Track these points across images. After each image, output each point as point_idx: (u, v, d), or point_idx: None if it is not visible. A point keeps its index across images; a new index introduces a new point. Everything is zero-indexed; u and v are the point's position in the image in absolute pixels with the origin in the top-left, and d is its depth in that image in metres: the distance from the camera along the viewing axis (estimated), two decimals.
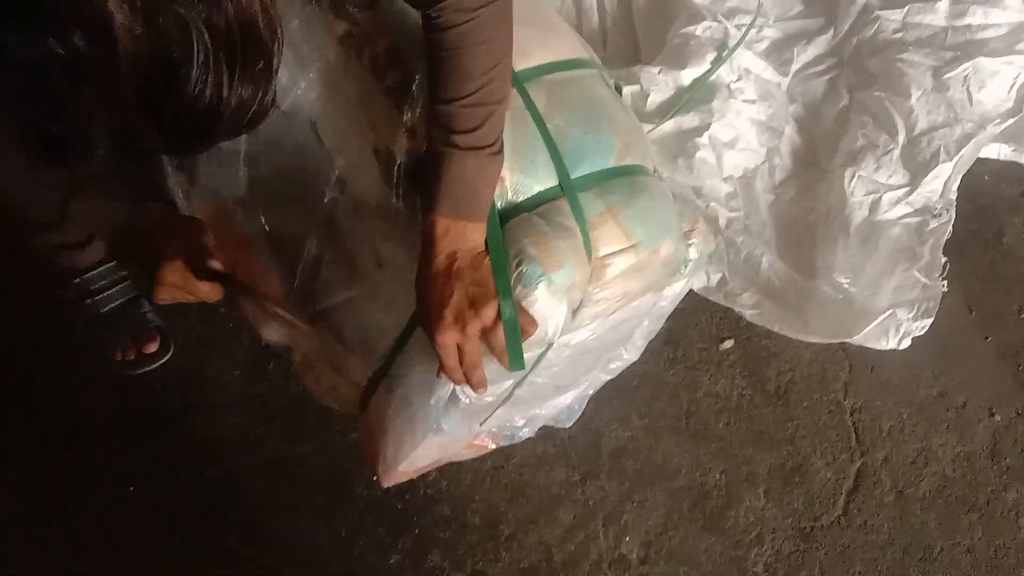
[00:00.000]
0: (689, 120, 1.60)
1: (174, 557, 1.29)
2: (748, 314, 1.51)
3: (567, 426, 1.37)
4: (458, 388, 1.00)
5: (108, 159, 0.56)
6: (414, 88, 0.97)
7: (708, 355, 1.50)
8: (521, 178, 0.95)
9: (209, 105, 0.54)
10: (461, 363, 0.89)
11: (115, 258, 1.30)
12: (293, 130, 1.07)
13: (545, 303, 0.91)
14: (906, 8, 1.73)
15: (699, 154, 1.57)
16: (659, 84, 1.61)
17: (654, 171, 1.07)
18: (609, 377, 1.27)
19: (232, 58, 0.54)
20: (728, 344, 1.50)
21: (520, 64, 1.00)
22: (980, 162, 1.66)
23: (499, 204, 0.94)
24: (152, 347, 1.42)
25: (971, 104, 1.64)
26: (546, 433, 1.38)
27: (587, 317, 1.01)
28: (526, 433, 1.28)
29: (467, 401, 1.02)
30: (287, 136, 1.09)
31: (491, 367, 0.95)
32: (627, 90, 1.62)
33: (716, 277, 1.53)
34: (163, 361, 1.42)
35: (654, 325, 1.21)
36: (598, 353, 1.17)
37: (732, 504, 1.38)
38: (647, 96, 1.61)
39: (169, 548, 1.30)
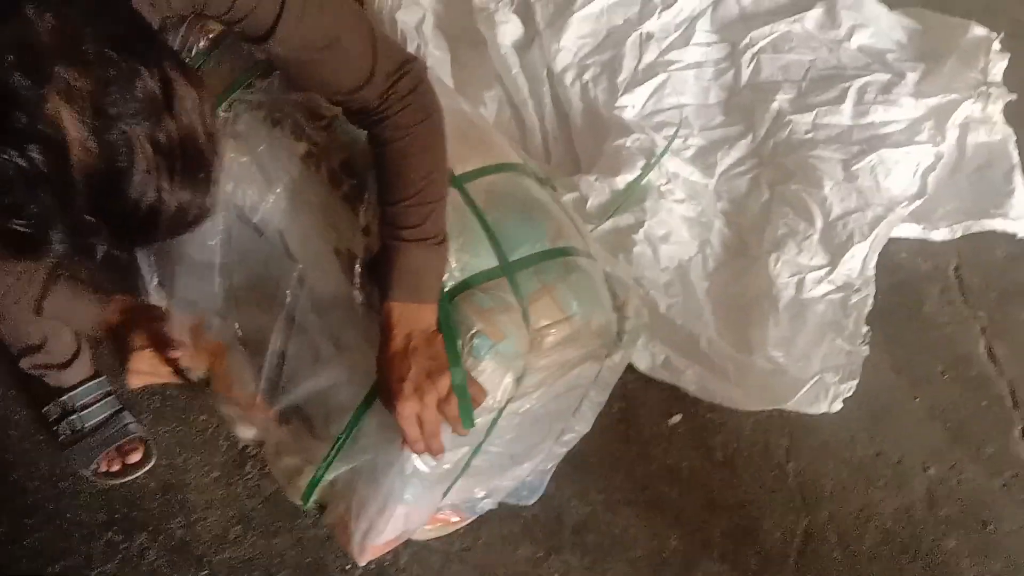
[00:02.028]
0: (625, 219, 1.76)
1: None
2: (692, 389, 1.63)
3: (530, 503, 1.46)
4: (416, 457, 1.10)
5: (66, 254, 0.64)
6: (366, 194, 1.12)
7: (659, 430, 1.60)
8: (467, 259, 1.08)
9: (150, 207, 0.64)
10: (422, 432, 0.99)
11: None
12: (263, 241, 1.21)
13: (494, 372, 1.04)
14: (815, 111, 1.94)
15: (636, 249, 1.73)
16: (596, 190, 1.78)
17: (588, 253, 1.20)
18: (564, 449, 1.37)
19: (172, 167, 0.64)
20: (677, 419, 1.61)
21: (460, 169, 1.15)
22: (896, 241, 1.83)
23: (449, 283, 1.06)
24: (135, 457, 1.51)
25: (879, 190, 1.82)
26: (510, 513, 1.47)
27: (531, 385, 1.12)
28: (488, 504, 1.37)
29: (427, 469, 1.12)
30: (257, 247, 1.23)
31: (447, 436, 1.06)
32: (568, 196, 1.78)
33: (661, 357, 1.65)
34: (146, 470, 1.51)
35: (600, 396, 1.32)
36: (549, 422, 1.27)
37: (689, 568, 1.45)
38: (587, 200, 1.78)
39: None
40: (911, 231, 1.86)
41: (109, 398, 1.53)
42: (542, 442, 1.32)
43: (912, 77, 1.99)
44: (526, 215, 1.16)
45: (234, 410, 1.41)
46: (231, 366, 1.40)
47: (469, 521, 1.43)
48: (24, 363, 1.42)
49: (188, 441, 1.54)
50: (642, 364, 1.66)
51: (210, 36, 1.24)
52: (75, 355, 1.45)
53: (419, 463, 1.11)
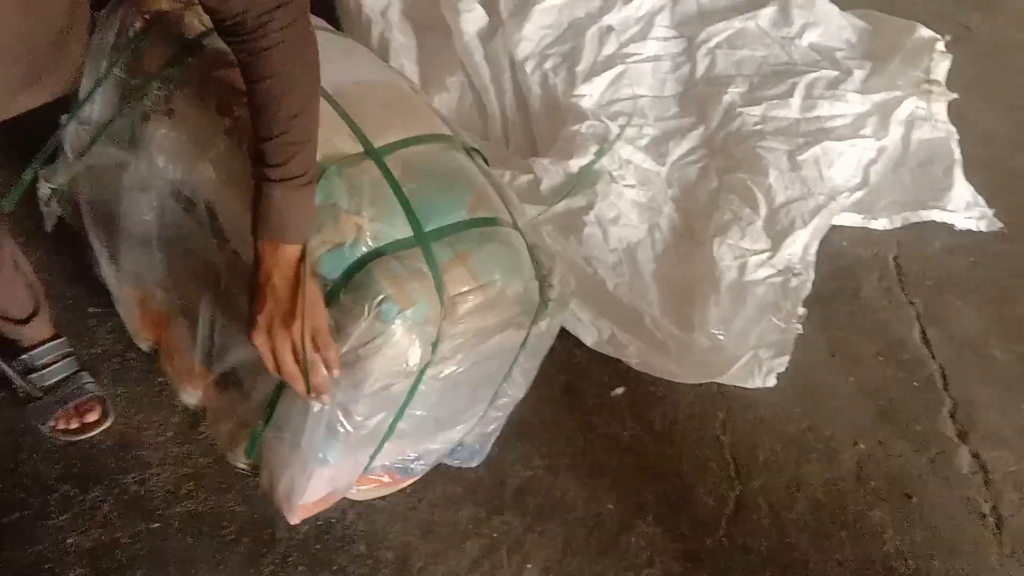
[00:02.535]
0: (577, 202, 1.83)
1: None
2: (634, 363, 1.69)
3: (472, 465, 1.51)
4: (338, 420, 1.14)
5: None
6: None
7: (601, 401, 1.66)
8: (380, 227, 1.11)
9: None
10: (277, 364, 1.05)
11: None
12: (191, 216, 1.25)
13: (403, 336, 1.07)
14: (764, 104, 2.02)
15: (587, 230, 1.79)
16: (550, 172, 1.85)
17: (513, 224, 1.24)
18: (500, 413, 1.42)
19: None
20: (619, 391, 1.67)
21: (381, 140, 1.20)
22: (838, 230, 1.90)
23: (362, 249, 1.09)
24: (92, 416, 1.55)
25: (822, 180, 1.90)
26: (455, 475, 1.52)
27: (448, 351, 1.16)
28: (421, 466, 1.42)
29: (344, 431, 1.16)
30: (185, 222, 1.27)
31: (368, 401, 1.12)
32: (523, 178, 1.85)
33: (607, 333, 1.72)
34: (103, 428, 1.56)
35: (532, 362, 1.35)
36: (474, 387, 1.31)
37: (624, 530, 1.51)
38: (540, 182, 1.84)
39: None
40: (852, 220, 1.94)
41: (68, 359, 1.57)
42: (471, 406, 1.36)
43: (859, 74, 2.07)
44: (445, 186, 1.20)
45: (179, 376, 1.47)
46: (174, 335, 1.46)
47: (407, 483, 1.48)
48: None
49: (145, 401, 1.58)
50: (588, 339, 1.73)
51: (146, 17, 1.28)
52: (33, 313, 1.50)
53: (338, 425, 1.16)
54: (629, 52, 2.12)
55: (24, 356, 1.54)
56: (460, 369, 1.21)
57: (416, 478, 1.49)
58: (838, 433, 1.65)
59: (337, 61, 1.27)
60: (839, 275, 1.86)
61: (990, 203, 1.99)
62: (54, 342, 1.57)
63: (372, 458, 1.31)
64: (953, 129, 2.06)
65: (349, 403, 1.14)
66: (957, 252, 1.93)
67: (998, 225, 1.95)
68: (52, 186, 1.34)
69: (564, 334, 1.73)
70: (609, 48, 2.12)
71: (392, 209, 1.13)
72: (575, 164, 1.85)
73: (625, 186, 1.87)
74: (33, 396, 1.54)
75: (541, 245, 1.28)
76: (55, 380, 1.55)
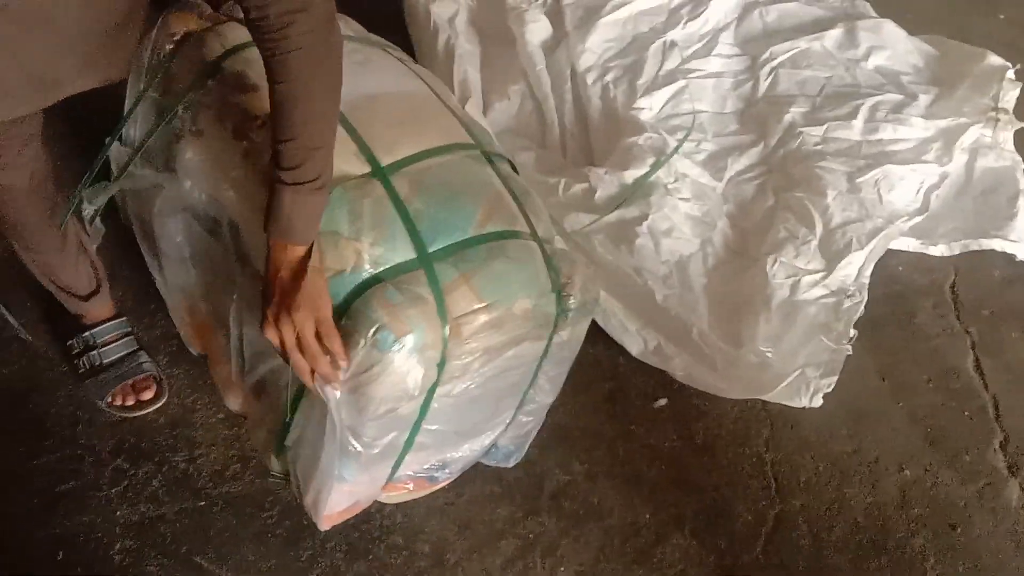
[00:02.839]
0: (631, 212, 1.83)
1: (152, 573, 1.43)
2: (679, 376, 1.69)
3: (510, 465, 1.53)
4: (350, 439, 1.16)
5: None
6: None
7: (644, 411, 1.67)
8: (381, 252, 1.12)
9: None
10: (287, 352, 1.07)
11: None
12: (214, 239, 1.30)
13: (401, 363, 1.08)
14: (826, 125, 2.00)
15: (638, 240, 1.80)
16: (605, 182, 1.86)
17: (531, 233, 1.22)
18: (530, 418, 1.42)
19: None
20: (662, 402, 1.67)
21: (387, 158, 1.19)
22: (894, 254, 1.88)
23: (362, 275, 1.10)
24: (148, 394, 1.60)
25: (881, 203, 1.87)
26: (495, 474, 1.54)
27: (457, 370, 1.16)
28: (446, 475, 1.45)
29: (355, 450, 1.18)
30: (209, 243, 1.32)
31: (381, 421, 1.14)
32: (578, 186, 1.87)
33: (653, 344, 1.72)
34: (158, 406, 1.61)
35: (559, 368, 1.34)
36: (495, 399, 1.31)
37: (660, 541, 1.51)
38: (595, 192, 1.86)
39: (147, 565, 1.44)
40: (910, 244, 1.91)
41: (127, 338, 1.63)
42: (495, 416, 1.36)
43: (924, 99, 2.05)
44: (453, 202, 1.19)
45: (222, 383, 1.53)
46: (216, 344, 1.52)
47: (436, 487, 1.49)
48: (44, 280, 1.53)
49: (199, 384, 1.63)
50: (634, 349, 1.73)
51: (174, 38, 1.33)
52: (95, 291, 1.57)
53: (349, 446, 1.17)
54: (691, 68, 2.13)
55: (86, 333, 1.61)
56: (473, 385, 1.21)
57: (446, 483, 1.51)
58: (884, 458, 1.63)
59: (354, 74, 1.24)
60: (893, 299, 1.84)
61: None
62: (114, 321, 1.63)
63: (393, 470, 1.32)
64: (1019, 158, 2.02)
65: (357, 426, 1.15)
66: (1017, 283, 1.89)
67: None
68: (95, 207, 1.38)
69: (610, 342, 1.74)
70: (671, 63, 2.13)
71: (395, 232, 1.13)
72: (630, 175, 1.86)
73: (680, 199, 1.87)
74: (92, 372, 1.60)
75: (562, 252, 1.26)
76: (114, 358, 1.61)
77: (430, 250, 1.14)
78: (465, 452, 1.42)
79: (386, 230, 1.13)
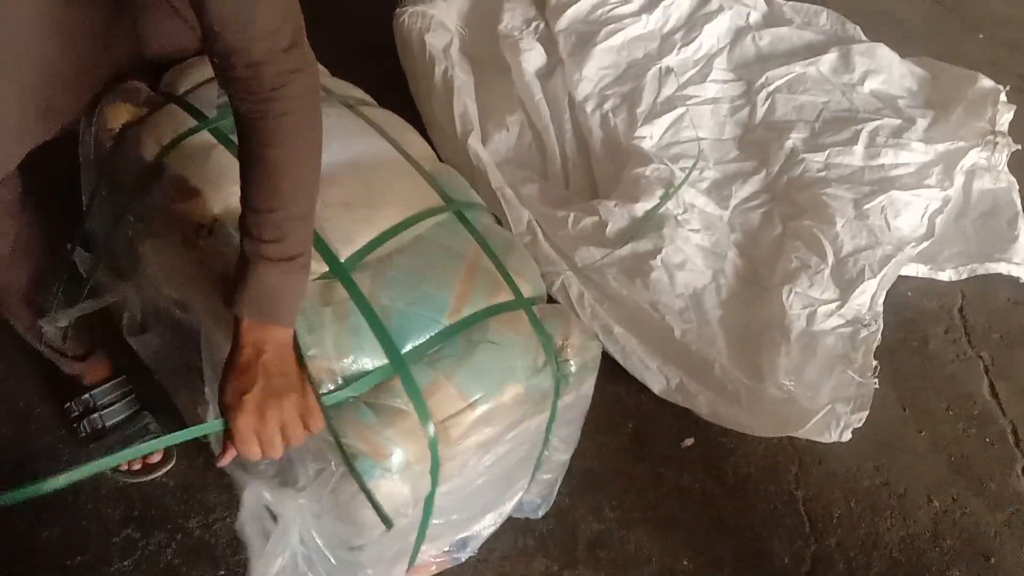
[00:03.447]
0: (643, 245, 1.80)
1: None
2: (704, 413, 1.66)
3: (539, 516, 1.48)
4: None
5: None
6: None
7: (671, 452, 1.63)
8: (347, 363, 1.03)
9: None
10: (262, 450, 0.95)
11: None
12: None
13: (387, 487, 1.01)
14: (827, 151, 2.00)
15: (653, 274, 1.76)
16: (615, 215, 1.83)
17: (516, 298, 1.15)
18: (551, 475, 1.39)
19: None
20: (689, 442, 1.64)
21: (345, 251, 1.11)
22: (903, 280, 1.88)
23: (328, 395, 1.01)
24: (156, 457, 1.52)
25: (889, 230, 1.87)
26: (526, 526, 1.49)
27: (454, 469, 1.10)
28: (468, 553, 1.40)
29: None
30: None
31: (389, 537, 1.08)
32: (588, 220, 1.83)
33: (675, 381, 1.69)
34: (167, 469, 1.52)
35: (570, 428, 1.30)
36: (505, 476, 1.25)
37: None
38: (606, 225, 1.82)
39: None
40: (918, 271, 1.92)
41: (129, 398, 1.55)
42: (510, 487, 1.31)
43: (922, 123, 2.06)
44: (423, 289, 1.11)
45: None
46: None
47: (463, 559, 1.43)
48: (35, 342, 1.43)
49: (207, 447, 1.55)
50: (656, 387, 1.70)
51: (113, 134, 1.28)
52: (90, 350, 1.48)
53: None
54: (689, 94, 2.11)
55: (85, 396, 1.52)
56: (477, 474, 1.15)
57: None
58: (911, 489, 1.62)
59: None
60: (905, 326, 1.84)
61: None
62: (114, 381, 1.54)
63: (412, 559, 1.26)
64: (1014, 180, 2.04)
65: (359, 548, 1.09)
66: (1022, 305, 1.91)
67: None
68: (61, 326, 1.33)
69: (630, 380, 1.71)
70: (668, 90, 2.11)
71: (361, 338, 1.05)
72: (641, 208, 1.83)
73: (691, 231, 1.84)
74: (94, 436, 1.51)
75: (553, 310, 1.20)
76: (117, 419, 1.53)
77: (403, 351, 1.06)
78: (484, 527, 1.36)
79: (352, 338, 1.05)
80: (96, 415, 1.52)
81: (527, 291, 1.19)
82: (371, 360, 1.05)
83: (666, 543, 1.52)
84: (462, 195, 1.27)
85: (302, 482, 1.06)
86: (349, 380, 1.04)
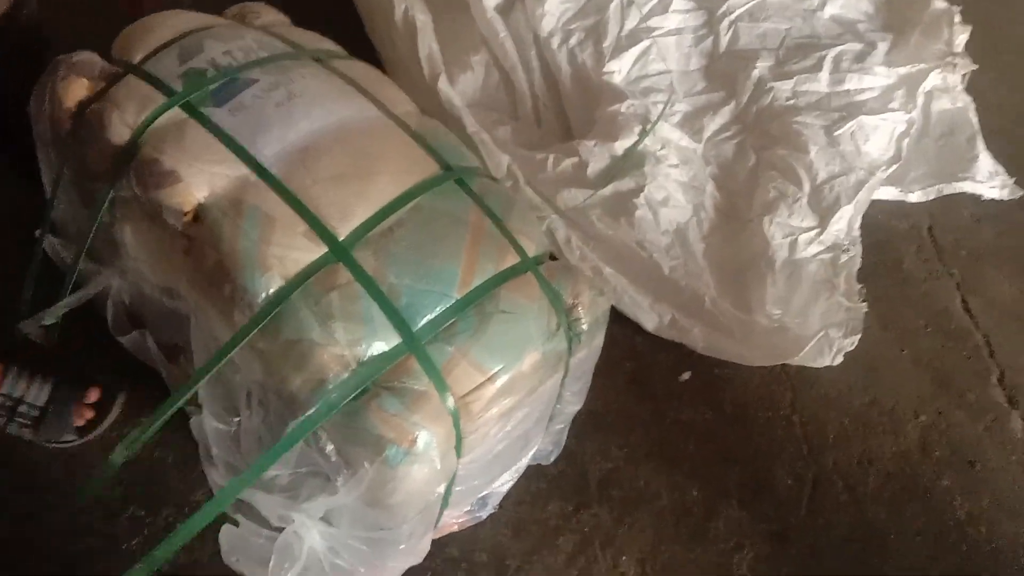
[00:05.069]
0: (625, 184, 1.80)
1: None
2: (699, 347, 1.68)
3: (549, 463, 1.48)
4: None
5: None
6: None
7: (670, 388, 1.66)
8: (362, 348, 1.02)
9: None
10: None
11: None
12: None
13: (416, 470, 1.01)
14: (794, 79, 2.02)
15: (638, 213, 1.76)
16: (596, 155, 1.81)
17: (524, 260, 1.14)
18: (561, 426, 1.40)
19: None
20: (686, 376, 1.67)
21: (343, 228, 1.07)
22: (874, 203, 1.92)
23: (346, 382, 1.00)
24: (94, 394, 1.45)
25: (860, 155, 1.91)
26: (537, 471, 1.50)
27: (475, 440, 1.09)
28: (489, 510, 1.41)
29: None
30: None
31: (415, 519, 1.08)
32: (568, 161, 1.81)
33: (668, 317, 1.70)
34: (121, 403, 1.47)
35: (582, 381, 1.31)
36: (523, 438, 1.25)
37: (711, 517, 1.51)
38: (587, 165, 1.80)
39: None
40: (888, 193, 1.96)
41: (38, 375, 1.44)
42: (525, 447, 1.31)
43: (882, 47, 2.09)
44: (430, 263, 1.08)
45: None
46: None
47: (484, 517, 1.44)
48: None
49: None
50: (649, 325, 1.71)
51: (71, 114, 1.23)
52: None
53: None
54: (652, 26, 2.08)
55: None
56: (496, 441, 1.15)
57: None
58: (899, 406, 1.68)
59: (279, 121, 1.14)
60: (879, 248, 1.89)
61: (1009, 172, 2.03)
62: (11, 373, 1.43)
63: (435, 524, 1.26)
64: (970, 99, 2.10)
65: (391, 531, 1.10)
66: (986, 221, 1.98)
67: (1020, 193, 2.00)
68: (47, 323, 1.27)
69: (624, 320, 1.72)
70: (631, 22, 2.08)
71: (372, 319, 1.03)
72: (620, 146, 1.82)
73: (669, 166, 1.84)
74: (37, 422, 1.42)
75: (562, 268, 1.19)
76: (45, 397, 1.43)
77: (415, 329, 1.04)
78: (503, 483, 1.37)
79: (362, 321, 1.02)
80: (23, 406, 1.42)
81: (531, 249, 1.18)
82: (384, 343, 1.03)
83: (674, 477, 1.55)
84: (456, 156, 1.23)
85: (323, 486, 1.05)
86: (363, 366, 1.02)
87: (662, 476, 1.55)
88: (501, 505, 1.46)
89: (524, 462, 1.37)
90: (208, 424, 1.13)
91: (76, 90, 1.21)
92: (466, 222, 1.14)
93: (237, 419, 1.14)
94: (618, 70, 1.99)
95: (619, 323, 1.71)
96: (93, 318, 1.35)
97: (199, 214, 1.10)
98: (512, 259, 1.14)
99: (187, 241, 1.11)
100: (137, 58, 1.26)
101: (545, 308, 1.13)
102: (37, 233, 1.30)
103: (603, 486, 1.52)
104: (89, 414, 1.45)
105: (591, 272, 1.73)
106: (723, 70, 2.07)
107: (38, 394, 1.43)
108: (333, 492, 1.03)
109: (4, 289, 1.36)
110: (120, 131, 1.15)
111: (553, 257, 1.26)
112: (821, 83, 2.01)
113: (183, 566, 1.35)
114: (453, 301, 1.07)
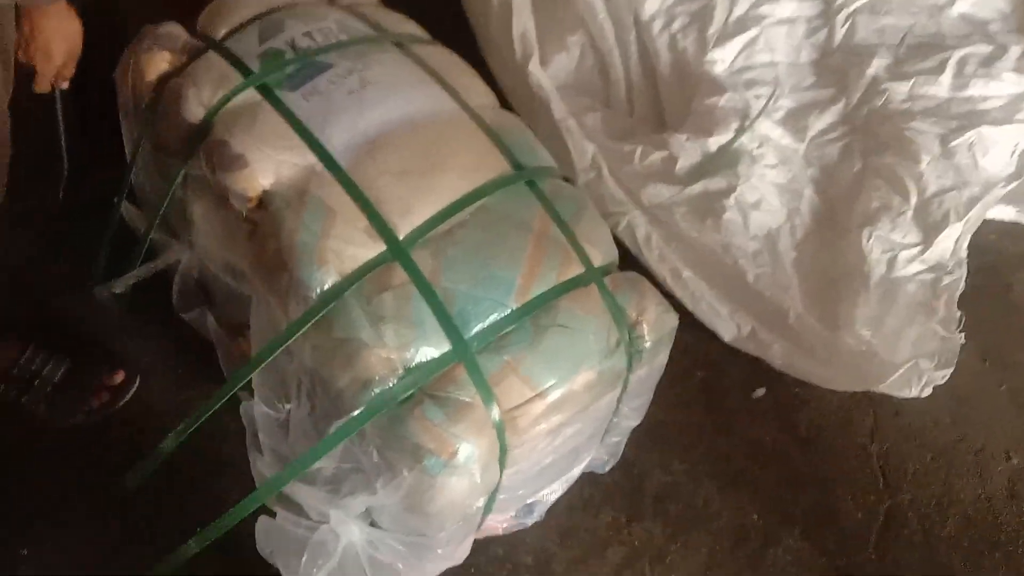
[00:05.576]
0: (716, 183, 1.71)
1: None
2: (777, 364, 1.60)
3: (604, 471, 1.44)
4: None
5: None
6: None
7: (742, 403, 1.59)
8: (411, 353, 1.00)
9: None
10: None
11: None
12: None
13: (456, 482, 0.99)
14: (912, 80, 1.87)
15: (727, 215, 1.68)
16: (687, 150, 1.73)
17: (589, 270, 1.09)
18: (619, 438, 1.35)
19: None
20: (760, 392, 1.59)
21: (404, 227, 1.05)
22: (986, 222, 1.78)
23: (391, 384, 0.98)
24: (118, 377, 1.47)
25: (976, 169, 1.77)
26: (592, 478, 1.46)
27: (521, 455, 1.06)
28: (535, 518, 1.37)
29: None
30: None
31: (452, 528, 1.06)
32: (657, 155, 1.74)
33: (747, 329, 1.63)
34: (136, 387, 1.48)
35: (643, 398, 1.26)
36: (572, 453, 1.21)
37: (770, 544, 1.45)
38: (676, 160, 1.72)
39: None
40: (1004, 213, 1.82)
41: (56, 354, 1.47)
42: (577, 458, 1.27)
43: (1015, 51, 1.91)
44: (488, 270, 1.05)
45: None
46: None
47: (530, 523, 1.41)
48: None
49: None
50: (726, 335, 1.64)
51: (152, 87, 1.24)
52: None
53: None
54: (762, 13, 1.96)
55: (15, 370, 1.43)
56: (543, 457, 1.11)
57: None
58: (990, 445, 1.57)
59: (348, 111, 1.11)
60: (986, 273, 1.76)
61: None
62: (29, 350, 1.45)
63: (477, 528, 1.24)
64: None
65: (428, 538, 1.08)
66: None
67: None
68: (117, 291, 1.28)
69: (698, 326, 1.65)
70: (740, 8, 1.96)
71: (423, 324, 1.00)
72: (714, 142, 1.73)
73: (766, 166, 1.74)
74: (51, 399, 1.44)
75: (628, 280, 1.14)
76: (60, 374, 1.45)
77: (467, 336, 1.01)
78: (551, 492, 1.33)
79: (413, 325, 1.00)
80: (37, 381, 1.43)
81: (598, 259, 1.13)
82: (434, 348, 1.01)
83: (735, 497, 1.49)
84: (529, 155, 1.19)
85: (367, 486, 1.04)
86: (411, 371, 1.00)
87: (723, 496, 1.49)
88: (550, 509, 1.43)
89: (575, 472, 1.33)
90: (258, 410, 1.13)
91: (158, 63, 1.22)
92: (531, 227, 1.10)
93: (287, 407, 1.14)
94: (721, 59, 1.89)
95: (693, 329, 1.64)
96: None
97: (264, 201, 1.10)
98: (576, 268, 1.09)
99: (251, 226, 1.11)
100: (220, 33, 1.25)
101: (606, 323, 1.08)
102: (115, 199, 1.32)
103: (659, 500, 1.47)
104: (105, 396, 1.47)
105: (669, 274, 1.66)
106: (835, 66, 1.94)
107: (53, 371, 1.45)
108: (373, 492, 1.03)
109: (32, 267, 1.38)
110: (195, 109, 1.15)
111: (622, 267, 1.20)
112: (941, 87, 1.86)
113: None
114: (508, 311, 1.04)
